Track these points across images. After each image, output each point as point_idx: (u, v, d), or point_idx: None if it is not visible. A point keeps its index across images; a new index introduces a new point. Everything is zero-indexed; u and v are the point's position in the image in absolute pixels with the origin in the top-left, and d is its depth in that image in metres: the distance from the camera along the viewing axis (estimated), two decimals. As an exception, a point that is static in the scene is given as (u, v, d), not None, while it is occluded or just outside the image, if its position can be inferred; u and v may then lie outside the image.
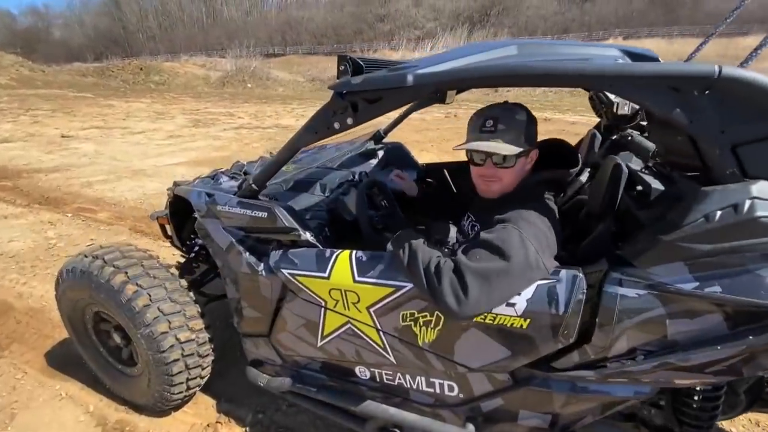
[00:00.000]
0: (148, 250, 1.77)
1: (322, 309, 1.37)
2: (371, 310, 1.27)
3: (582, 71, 0.91)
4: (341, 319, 1.35)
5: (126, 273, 1.58)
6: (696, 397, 1.18)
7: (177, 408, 1.87)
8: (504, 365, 1.15)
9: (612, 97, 1.86)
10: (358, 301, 1.27)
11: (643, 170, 1.41)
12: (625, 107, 1.75)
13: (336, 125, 1.18)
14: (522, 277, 1.02)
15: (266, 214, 1.38)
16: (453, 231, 2.32)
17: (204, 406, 1.93)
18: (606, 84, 0.91)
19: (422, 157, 2.75)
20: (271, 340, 1.58)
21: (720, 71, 0.81)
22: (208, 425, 1.82)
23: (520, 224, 1.05)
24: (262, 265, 1.44)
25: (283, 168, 2.18)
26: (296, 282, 1.36)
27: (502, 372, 1.18)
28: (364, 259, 1.26)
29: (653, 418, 1.30)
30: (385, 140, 2.68)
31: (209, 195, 1.54)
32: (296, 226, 1.36)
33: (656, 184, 1.21)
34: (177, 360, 1.62)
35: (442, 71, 1.03)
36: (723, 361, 0.91)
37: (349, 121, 1.16)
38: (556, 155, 1.26)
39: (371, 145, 2.61)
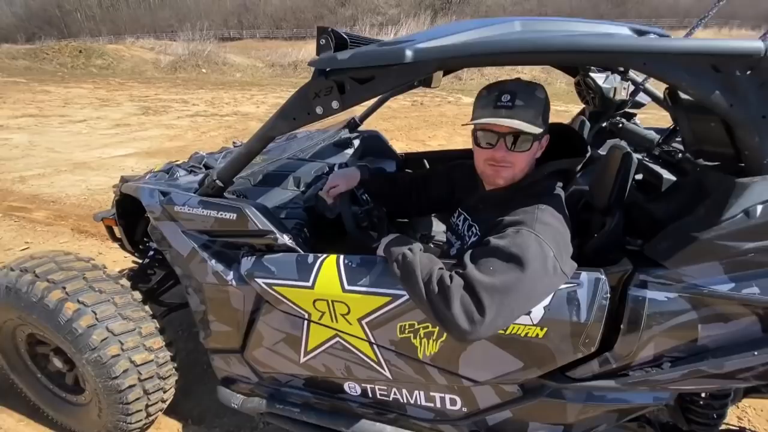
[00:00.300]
0: (91, 259, 1.51)
1: (306, 322, 1.20)
2: (363, 322, 1.11)
3: (613, 47, 0.78)
4: (328, 332, 1.18)
5: (64, 288, 1.32)
6: (704, 395, 1.13)
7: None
8: (515, 377, 1.04)
9: (601, 82, 1.79)
10: (348, 313, 1.11)
11: (645, 159, 1.34)
12: (622, 92, 1.67)
13: (318, 110, 1.00)
14: (542, 286, 0.90)
15: (235, 215, 1.17)
16: (436, 224, 2.19)
17: (167, 430, 1.71)
18: (637, 61, 0.79)
19: (393, 147, 2.60)
20: (245, 356, 1.39)
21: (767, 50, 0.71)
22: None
23: (536, 227, 0.93)
24: (231, 273, 1.24)
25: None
26: (274, 293, 1.18)
27: (512, 384, 1.07)
28: (354, 265, 1.10)
29: (659, 416, 1.25)
30: (360, 128, 2.50)
31: (164, 193, 1.31)
32: (271, 227, 1.17)
33: (667, 174, 1.14)
34: (133, 386, 1.39)
35: (447, 46, 0.87)
36: (758, 367, 0.85)
37: (335, 104, 0.98)
38: (562, 142, 1.15)
39: (346, 134, 2.42)
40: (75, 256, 1.48)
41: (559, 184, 1.08)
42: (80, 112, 9.50)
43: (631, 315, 0.88)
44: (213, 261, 1.25)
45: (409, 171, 2.47)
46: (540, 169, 1.07)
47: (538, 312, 0.94)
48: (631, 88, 1.66)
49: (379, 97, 2.25)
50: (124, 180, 1.89)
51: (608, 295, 0.90)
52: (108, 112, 9.74)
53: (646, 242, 1.07)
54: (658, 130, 1.60)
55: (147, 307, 1.48)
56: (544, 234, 0.92)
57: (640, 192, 1.15)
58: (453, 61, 0.88)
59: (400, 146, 6.06)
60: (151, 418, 1.55)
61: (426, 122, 8.22)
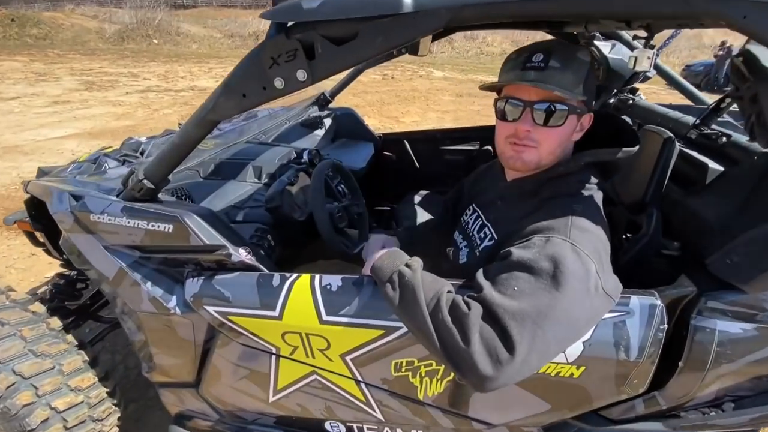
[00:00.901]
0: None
1: (274, 357, 0.95)
2: (348, 358, 0.88)
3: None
4: (303, 368, 0.94)
5: (-53, 326, 1.00)
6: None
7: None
8: (539, 420, 0.85)
9: (607, 51, 1.57)
10: (328, 348, 0.87)
11: (679, 143, 1.15)
12: (645, 61, 1.45)
13: (278, 83, 0.72)
14: (584, 311, 0.68)
15: (172, 226, 0.88)
16: (423, 215, 1.94)
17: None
18: (735, 12, 0.56)
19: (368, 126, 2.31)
20: (201, 392, 1.13)
21: None
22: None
23: (571, 233, 0.71)
24: (174, 299, 0.97)
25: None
26: (230, 323, 0.92)
27: (534, 426, 0.88)
28: (334, 288, 0.85)
29: None
30: (331, 106, 2.19)
31: (76, 197, 0.99)
32: (222, 240, 0.89)
33: (713, 164, 0.94)
34: (57, 437, 1.11)
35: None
36: None
37: (301, 75, 0.70)
38: (604, 130, 0.91)
39: (315, 112, 2.11)
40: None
41: (595, 180, 0.86)
42: (12, 89, 8.44)
43: (695, 350, 0.70)
44: (148, 284, 0.97)
45: (388, 154, 2.21)
46: (576, 158, 0.83)
47: (575, 348, 0.73)
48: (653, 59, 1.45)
49: (356, 66, 1.96)
50: (41, 172, 1.53)
51: (665, 326, 0.70)
52: (45, 87, 8.72)
53: (685, 246, 0.87)
54: (672, 108, 1.41)
55: (69, 336, 1.17)
56: (582, 243, 0.70)
57: (675, 184, 0.95)
58: (471, 12, 0.62)
59: (372, 123, 5.72)
60: (89, 466, 1.28)
61: (398, 97, 7.88)
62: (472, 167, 1.89)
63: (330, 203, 1.17)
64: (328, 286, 0.85)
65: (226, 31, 19.05)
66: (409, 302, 0.73)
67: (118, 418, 1.32)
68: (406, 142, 2.17)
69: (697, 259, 0.78)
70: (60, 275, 1.58)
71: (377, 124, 5.79)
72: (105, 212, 0.94)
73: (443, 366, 0.83)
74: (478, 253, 0.90)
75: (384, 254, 0.82)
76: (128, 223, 0.92)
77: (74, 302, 1.47)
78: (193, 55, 14.70)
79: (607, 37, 1.69)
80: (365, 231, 1.29)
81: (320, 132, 2.04)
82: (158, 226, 0.89)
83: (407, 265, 0.79)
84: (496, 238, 0.87)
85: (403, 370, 0.86)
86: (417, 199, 1.34)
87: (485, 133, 2.14)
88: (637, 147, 0.79)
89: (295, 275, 0.88)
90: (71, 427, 1.13)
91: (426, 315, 0.71)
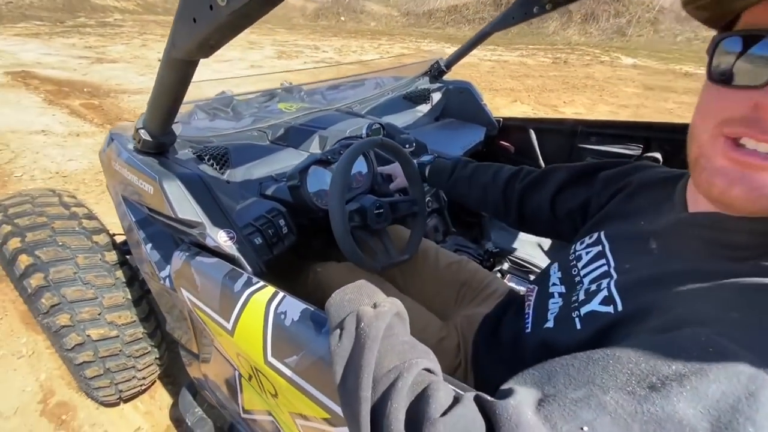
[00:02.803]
0: (79, 203, 1.30)
1: (237, 374, 0.76)
2: (297, 422, 0.62)
3: None
4: (263, 403, 0.73)
5: (23, 238, 1.12)
6: None
7: (127, 401, 1.51)
8: None
9: None
10: (276, 396, 0.63)
11: None
12: None
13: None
14: None
15: (152, 188, 0.75)
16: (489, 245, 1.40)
17: (161, 403, 1.54)
18: None
19: (512, 109, 1.85)
20: (201, 366, 1.04)
21: None
22: (153, 433, 1.43)
23: None
24: (167, 269, 0.86)
25: (283, 106, 1.53)
26: (198, 316, 0.76)
27: None
28: (288, 320, 0.59)
29: None
30: (446, 78, 1.84)
31: (113, 137, 0.96)
32: (199, 217, 0.72)
33: None
34: (90, 362, 1.18)
35: None
36: None
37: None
38: None
39: (424, 84, 1.80)
40: (60, 198, 1.28)
41: None
42: (228, 53, 10.43)
43: None
44: (149, 246, 0.88)
45: (506, 144, 1.76)
46: None
47: None
48: None
49: (479, 32, 1.56)
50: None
51: None
52: (250, 54, 10.54)
53: None
54: None
55: (119, 273, 1.22)
56: None
57: None
58: None
59: (522, 110, 5.03)
60: (125, 394, 1.37)
61: (565, 84, 6.77)
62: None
63: (364, 195, 0.89)
64: (282, 316, 0.59)
65: (404, 10, 19.70)
66: (350, 367, 0.42)
67: (156, 359, 1.36)
68: (532, 132, 1.67)
69: None
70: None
71: (528, 111, 5.04)
72: (119, 159, 0.88)
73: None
74: (576, 319, 0.50)
75: (350, 287, 0.51)
76: (127, 175, 0.83)
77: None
78: (369, 32, 15.68)
79: None
80: (414, 242, 0.97)
81: (424, 107, 1.73)
82: (143, 186, 0.78)
83: (375, 306, 0.47)
84: (620, 309, 0.45)
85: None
86: None
87: (658, 133, 1.46)
88: None
89: (260, 284, 0.65)
90: (103, 356, 1.19)
91: (360, 396, 0.39)
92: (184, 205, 0.73)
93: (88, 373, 1.19)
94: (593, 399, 0.30)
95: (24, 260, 1.10)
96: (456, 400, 0.35)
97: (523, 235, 1.42)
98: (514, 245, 1.38)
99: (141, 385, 1.40)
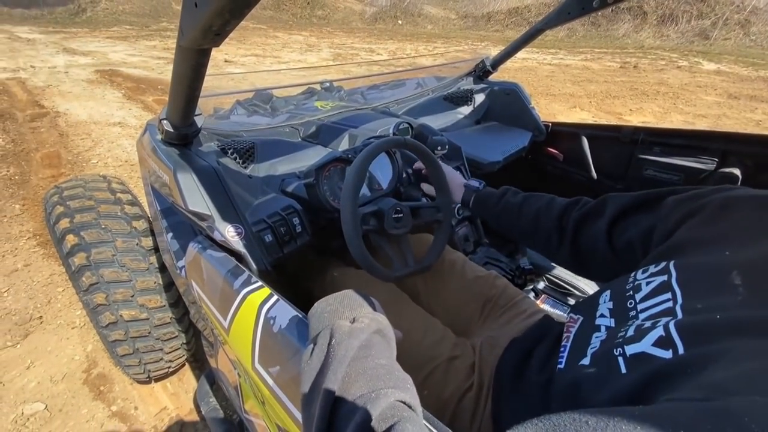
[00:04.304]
0: (126, 190, 1.38)
1: (237, 372, 0.75)
2: None
3: None
4: (259, 407, 0.70)
5: (72, 219, 1.21)
6: None
7: (158, 380, 1.58)
8: None
9: None
10: (265, 404, 0.60)
11: None
12: None
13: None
14: None
15: (167, 178, 0.76)
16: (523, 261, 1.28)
17: (187, 387, 1.60)
18: None
19: (570, 116, 1.72)
20: (214, 359, 1.05)
21: None
22: (177, 415, 1.49)
23: None
24: (183, 260, 0.87)
25: (319, 104, 1.52)
26: (204, 309, 0.75)
27: None
28: (275, 326, 0.55)
29: None
30: (492, 78, 1.74)
31: (147, 128, 0.99)
32: (209, 210, 0.71)
33: None
34: (121, 341, 1.24)
35: None
36: None
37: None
38: None
39: (467, 84, 1.71)
40: (109, 184, 1.37)
41: None
42: (289, 55, 10.93)
43: None
44: (170, 236, 0.90)
45: (553, 151, 1.63)
46: None
47: None
48: None
49: (530, 29, 1.46)
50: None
51: None
52: (308, 56, 10.93)
53: None
54: None
55: (153, 258, 1.27)
56: None
57: None
58: None
59: (582, 117, 4.70)
60: (154, 374, 1.43)
61: (633, 91, 6.25)
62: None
63: (385, 197, 0.84)
64: (272, 321, 0.56)
65: (462, 13, 19.42)
66: (313, 390, 0.38)
67: (184, 344, 1.41)
68: (584, 139, 1.53)
69: None
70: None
71: (588, 119, 4.71)
72: (147, 148, 0.91)
73: None
74: (620, 359, 0.42)
75: (335, 296, 0.47)
76: (152, 164, 0.85)
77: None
78: (425, 35, 15.61)
79: None
80: (435, 252, 0.90)
81: (465, 109, 1.64)
82: (161, 175, 0.79)
83: (354, 322, 0.42)
84: (680, 353, 0.38)
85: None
86: None
87: (738, 145, 1.26)
88: None
89: (258, 284, 0.63)
90: (132, 337, 1.25)
91: (314, 427, 0.34)
92: (195, 197, 0.73)
93: (120, 351, 1.26)
94: None
95: (71, 240, 1.18)
96: None
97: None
98: (553, 263, 1.26)
99: (168, 367, 1.45)
